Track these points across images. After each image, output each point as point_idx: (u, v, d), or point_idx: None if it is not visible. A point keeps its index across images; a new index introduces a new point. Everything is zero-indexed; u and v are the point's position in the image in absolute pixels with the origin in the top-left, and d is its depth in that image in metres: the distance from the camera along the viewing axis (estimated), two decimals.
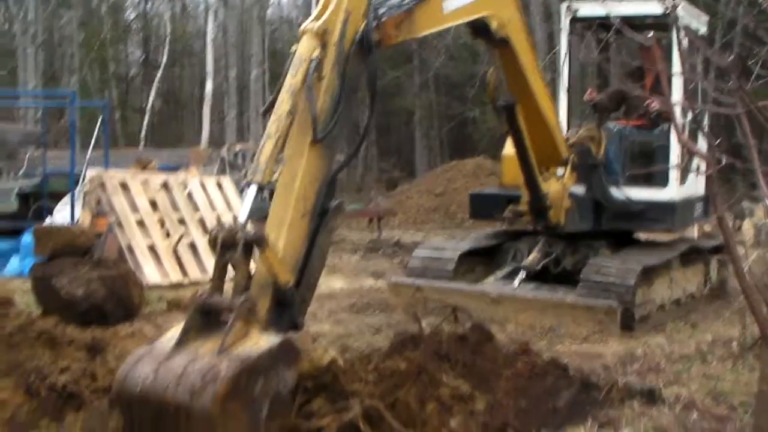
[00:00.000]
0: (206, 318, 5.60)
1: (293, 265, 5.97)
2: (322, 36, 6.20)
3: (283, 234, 5.89)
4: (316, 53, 6.14)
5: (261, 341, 5.39)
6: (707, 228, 19.26)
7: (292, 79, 6.05)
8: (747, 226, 20.73)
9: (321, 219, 6.32)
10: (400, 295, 11.82)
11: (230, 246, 5.62)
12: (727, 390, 7.40)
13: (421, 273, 12.17)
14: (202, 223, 14.93)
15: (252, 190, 5.79)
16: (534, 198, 11.28)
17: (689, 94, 6.58)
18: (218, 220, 5.93)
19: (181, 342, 5.43)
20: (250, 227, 5.63)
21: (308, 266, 6.18)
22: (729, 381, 7.84)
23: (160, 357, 5.34)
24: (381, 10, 6.74)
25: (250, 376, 5.18)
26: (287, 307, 5.89)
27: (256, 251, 5.66)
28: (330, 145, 6.35)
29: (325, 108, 6.24)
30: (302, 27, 6.27)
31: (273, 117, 5.94)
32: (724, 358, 8.77)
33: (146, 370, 5.26)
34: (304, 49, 6.15)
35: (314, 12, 6.43)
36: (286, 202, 6.05)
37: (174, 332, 5.56)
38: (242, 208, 5.81)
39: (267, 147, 5.84)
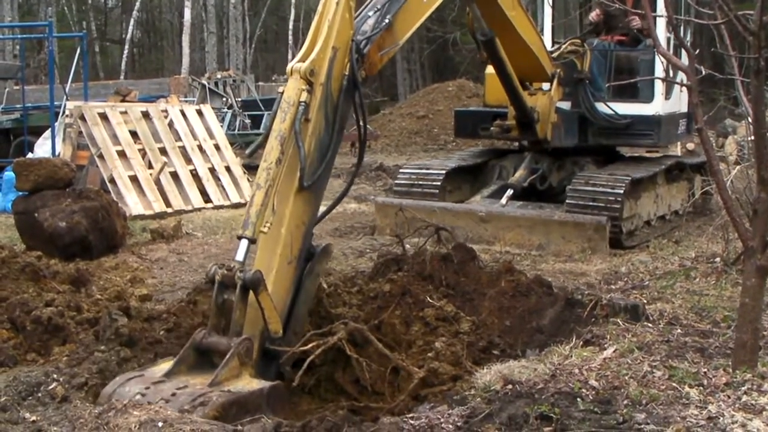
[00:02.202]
0: (200, 356, 5.52)
1: (280, 314, 5.85)
2: (309, 77, 6.06)
3: (270, 282, 5.75)
4: (304, 96, 6.01)
5: (253, 382, 5.34)
6: (690, 146, 19.30)
7: (281, 124, 5.91)
8: (730, 143, 20.70)
9: (306, 263, 6.25)
10: (387, 216, 11.70)
11: (228, 286, 5.54)
12: (710, 305, 7.41)
13: (408, 191, 12.11)
14: (183, 151, 14.83)
15: (244, 244, 5.64)
16: (520, 113, 11.23)
17: (671, 6, 6.49)
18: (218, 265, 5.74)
19: (173, 372, 5.37)
20: (248, 270, 5.51)
21: (294, 313, 6.11)
22: (712, 296, 7.86)
23: (149, 381, 5.28)
24: (361, 41, 6.62)
25: (239, 410, 5.09)
26: (274, 356, 5.82)
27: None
28: (316, 190, 6.27)
29: (312, 151, 6.12)
30: (289, 66, 6.13)
31: (263, 164, 5.77)
32: (708, 274, 8.79)
33: (134, 390, 5.19)
34: (292, 92, 6.02)
35: (302, 49, 6.29)
36: (273, 248, 5.94)
37: (166, 364, 5.51)
38: (237, 253, 5.64)
39: (257, 198, 5.67)
